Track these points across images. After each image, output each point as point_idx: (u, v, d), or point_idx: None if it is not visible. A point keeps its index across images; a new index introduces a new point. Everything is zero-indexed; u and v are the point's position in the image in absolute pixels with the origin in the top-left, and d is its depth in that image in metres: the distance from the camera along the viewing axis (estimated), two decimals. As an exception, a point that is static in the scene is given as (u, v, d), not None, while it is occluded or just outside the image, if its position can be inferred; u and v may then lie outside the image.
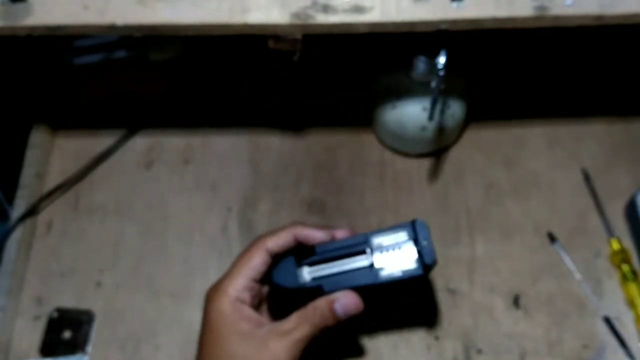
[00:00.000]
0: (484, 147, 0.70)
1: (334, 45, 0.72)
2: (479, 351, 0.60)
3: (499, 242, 0.65)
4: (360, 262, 0.52)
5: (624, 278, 0.62)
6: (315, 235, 0.52)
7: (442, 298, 0.63)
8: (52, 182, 0.69)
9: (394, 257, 0.52)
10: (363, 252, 0.52)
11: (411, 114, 0.65)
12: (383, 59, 0.68)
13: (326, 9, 0.50)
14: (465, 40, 0.56)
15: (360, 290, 0.51)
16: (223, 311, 0.50)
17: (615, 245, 0.63)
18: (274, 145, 0.71)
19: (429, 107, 0.60)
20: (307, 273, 0.52)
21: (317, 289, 0.51)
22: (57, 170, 0.70)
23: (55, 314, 0.62)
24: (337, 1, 0.50)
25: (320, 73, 0.74)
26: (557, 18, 0.49)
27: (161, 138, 0.72)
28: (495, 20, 0.49)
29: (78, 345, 0.61)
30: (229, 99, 0.74)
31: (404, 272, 0.51)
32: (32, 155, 0.69)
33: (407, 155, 0.70)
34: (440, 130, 0.66)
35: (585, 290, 0.63)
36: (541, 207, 0.67)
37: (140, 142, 0.72)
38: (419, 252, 0.52)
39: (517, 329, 0.61)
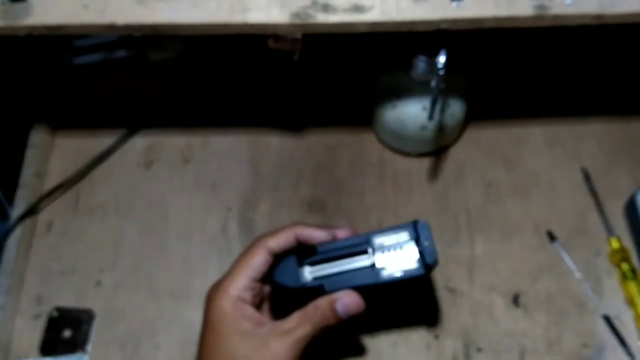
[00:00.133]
0: (484, 146, 0.70)
1: (334, 45, 0.72)
2: (479, 350, 0.60)
3: (499, 242, 0.65)
4: (361, 262, 0.52)
5: (624, 277, 0.62)
6: (316, 235, 0.52)
7: (442, 297, 0.63)
8: (52, 181, 0.69)
9: (396, 257, 0.52)
10: (364, 252, 0.52)
11: (411, 113, 0.65)
12: (383, 58, 0.68)
13: (326, 8, 0.50)
14: (465, 39, 0.56)
15: (361, 289, 0.51)
16: (224, 310, 0.50)
17: (615, 244, 0.63)
18: (274, 145, 0.71)
19: (429, 106, 0.60)
20: (309, 273, 0.52)
21: (318, 289, 0.51)
22: (57, 170, 0.70)
23: (55, 313, 0.62)
24: (337, 1, 0.50)
25: (320, 73, 0.74)
26: (557, 17, 0.49)
27: (161, 138, 0.72)
28: (495, 19, 0.49)
29: (78, 344, 0.61)
30: (229, 99, 0.74)
31: (405, 272, 0.52)
32: (32, 155, 0.69)
33: (407, 154, 0.70)
34: (440, 129, 0.66)
35: (584, 289, 0.63)
36: (541, 206, 0.67)
37: (140, 142, 0.72)
38: (421, 252, 0.52)
39: (517, 328, 0.61)
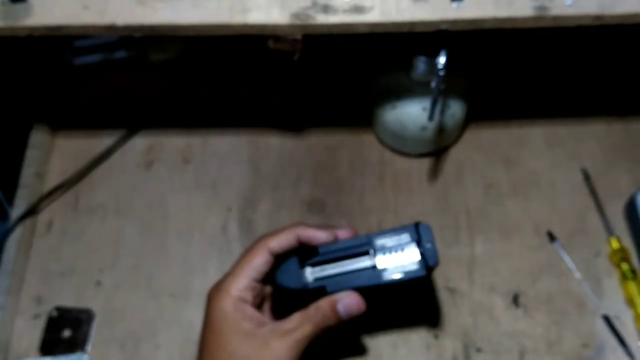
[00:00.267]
0: (484, 147, 0.70)
1: (334, 45, 0.72)
2: (479, 350, 0.60)
3: (499, 242, 0.65)
4: (363, 263, 0.52)
5: (624, 277, 0.62)
6: (318, 235, 0.52)
7: (442, 297, 0.63)
8: (52, 182, 0.69)
9: (397, 258, 0.52)
10: (366, 253, 0.52)
11: (411, 114, 0.65)
12: (383, 59, 0.68)
13: (326, 9, 0.50)
14: (465, 40, 0.56)
15: (362, 290, 0.52)
16: (225, 310, 0.50)
17: (615, 244, 0.63)
18: (274, 145, 0.71)
19: (429, 107, 0.60)
20: (310, 274, 0.52)
21: (320, 290, 0.52)
22: (57, 170, 0.70)
23: (55, 313, 0.62)
24: (337, 1, 0.50)
25: (320, 73, 0.74)
26: (557, 18, 0.49)
27: (161, 138, 0.72)
28: (495, 20, 0.49)
29: (78, 344, 0.61)
30: (229, 99, 0.74)
31: (407, 273, 0.52)
32: (32, 155, 0.69)
33: (407, 155, 0.70)
34: (440, 130, 0.66)
35: (584, 289, 0.63)
36: (541, 206, 0.67)
37: (140, 142, 0.72)
38: (422, 254, 0.52)
39: (517, 328, 0.61)
